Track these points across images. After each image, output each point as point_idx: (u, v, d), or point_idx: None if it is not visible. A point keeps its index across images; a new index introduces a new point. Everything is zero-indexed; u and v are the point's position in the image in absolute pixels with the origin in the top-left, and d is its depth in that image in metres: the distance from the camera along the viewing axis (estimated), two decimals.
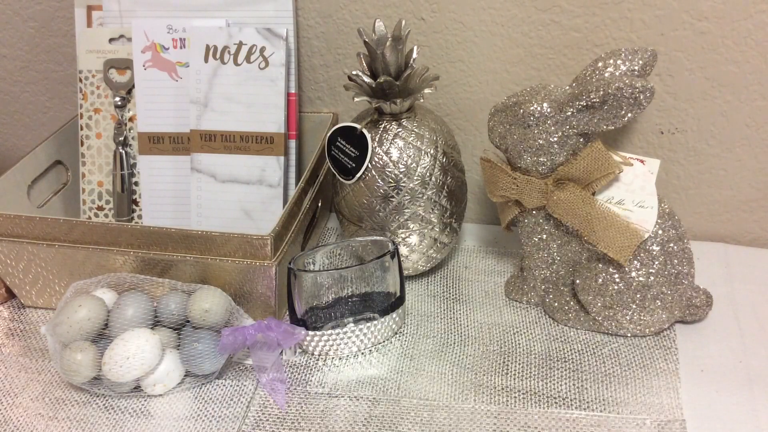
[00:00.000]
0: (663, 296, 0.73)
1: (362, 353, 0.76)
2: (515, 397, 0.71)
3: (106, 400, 0.71)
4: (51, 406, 0.71)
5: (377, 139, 0.78)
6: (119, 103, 0.88)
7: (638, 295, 0.73)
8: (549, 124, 0.71)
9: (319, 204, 0.89)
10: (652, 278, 0.73)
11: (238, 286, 0.75)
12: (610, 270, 0.74)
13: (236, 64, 0.84)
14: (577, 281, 0.76)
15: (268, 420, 0.69)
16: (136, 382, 0.71)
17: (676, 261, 0.73)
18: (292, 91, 0.86)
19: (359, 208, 0.80)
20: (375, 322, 0.76)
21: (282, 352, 0.74)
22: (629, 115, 0.69)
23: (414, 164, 0.77)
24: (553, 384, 0.72)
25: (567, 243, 0.77)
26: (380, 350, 0.77)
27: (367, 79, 0.77)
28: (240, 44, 0.84)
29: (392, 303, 0.77)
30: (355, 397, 0.71)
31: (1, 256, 0.78)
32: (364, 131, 0.78)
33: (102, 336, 0.71)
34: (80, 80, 0.88)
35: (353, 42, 0.90)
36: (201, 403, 0.71)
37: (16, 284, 0.81)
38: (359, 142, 0.78)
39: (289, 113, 0.85)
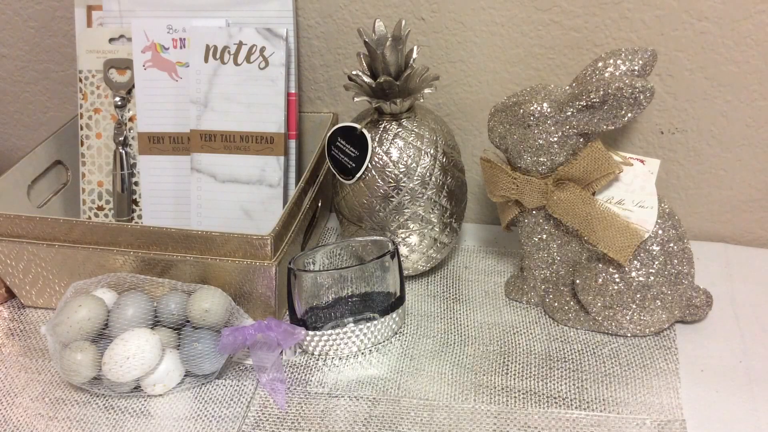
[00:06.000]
0: (663, 296, 0.73)
1: (362, 353, 0.76)
2: (515, 397, 0.71)
3: (106, 400, 0.71)
4: (51, 406, 0.71)
5: (377, 139, 0.78)
6: (119, 103, 0.88)
7: (638, 295, 0.73)
8: (549, 124, 0.71)
9: (319, 204, 0.89)
10: (652, 278, 0.73)
11: (238, 286, 0.75)
12: (610, 270, 0.74)
13: (236, 64, 0.84)
14: (577, 281, 0.76)
15: (268, 420, 0.69)
16: (136, 382, 0.71)
17: (676, 261, 0.73)
18: (292, 91, 0.86)
19: (359, 208, 0.80)
20: (375, 322, 0.76)
21: (282, 352, 0.74)
22: (629, 115, 0.69)
23: (414, 164, 0.77)
24: (553, 384, 0.72)
25: (567, 243, 0.77)
26: (380, 350, 0.77)
27: (367, 79, 0.77)
28: (240, 44, 0.84)
29: (392, 303, 0.77)
30: (355, 397, 0.71)
31: (1, 256, 0.78)
32: (364, 131, 0.78)
33: (102, 336, 0.71)
34: (80, 80, 0.88)
35: (353, 42, 0.90)
36: (201, 403, 0.71)
37: (16, 284, 0.81)
38: (359, 142, 0.78)
39: (289, 113, 0.85)
